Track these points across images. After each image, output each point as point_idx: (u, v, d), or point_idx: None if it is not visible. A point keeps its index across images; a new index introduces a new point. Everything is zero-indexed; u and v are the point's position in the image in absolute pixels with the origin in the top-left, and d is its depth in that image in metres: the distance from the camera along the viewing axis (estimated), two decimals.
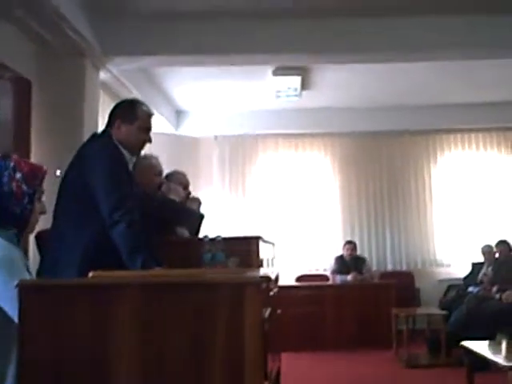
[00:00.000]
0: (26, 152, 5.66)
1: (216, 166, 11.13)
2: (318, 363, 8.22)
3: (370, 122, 10.69)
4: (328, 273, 10.49)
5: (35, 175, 2.68)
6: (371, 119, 10.66)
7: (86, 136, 6.12)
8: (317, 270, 10.81)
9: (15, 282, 2.14)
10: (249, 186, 11.09)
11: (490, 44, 6.92)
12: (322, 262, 10.85)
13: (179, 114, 10.76)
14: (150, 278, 2.28)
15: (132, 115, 3.71)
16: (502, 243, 8.96)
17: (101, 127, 6.54)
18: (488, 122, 10.87)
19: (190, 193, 5.28)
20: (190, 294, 2.10)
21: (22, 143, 5.78)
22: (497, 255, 9.01)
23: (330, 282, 10.17)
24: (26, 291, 2.10)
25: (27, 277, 2.50)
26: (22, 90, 5.91)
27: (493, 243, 9.23)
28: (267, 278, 2.22)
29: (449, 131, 11.19)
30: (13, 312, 2.32)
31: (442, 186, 11.17)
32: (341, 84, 9.35)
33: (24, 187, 2.61)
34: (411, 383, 6.99)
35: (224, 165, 11.12)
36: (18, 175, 2.61)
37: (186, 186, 5.22)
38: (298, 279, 10.44)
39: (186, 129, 10.83)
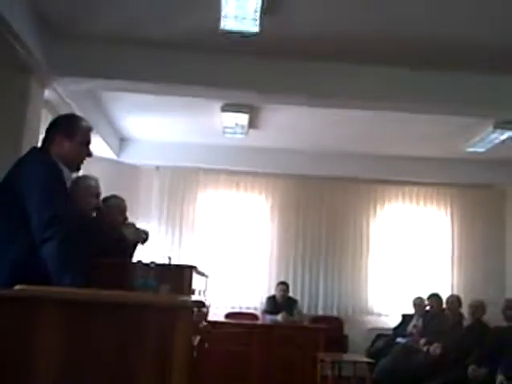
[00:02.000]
0: None
1: (155, 196, 11.05)
2: None
3: (313, 166, 10.78)
4: (258, 312, 10.45)
5: None
6: (315, 163, 10.75)
7: (25, 152, 6.04)
8: (247, 308, 10.77)
9: None
10: (186, 219, 11.02)
11: (437, 99, 7.12)
12: (253, 300, 10.85)
13: (122, 141, 10.66)
14: (75, 295, 2.20)
15: (73, 130, 3.66)
16: (434, 296, 9.06)
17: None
18: (430, 177, 11.06)
19: (126, 218, 5.23)
20: (117, 315, 2.04)
21: None
22: (427, 308, 9.08)
23: (260, 322, 10.12)
24: None
25: None
26: None
27: (424, 296, 9.30)
28: (200, 303, 2.17)
29: (390, 182, 11.33)
30: None
31: (380, 235, 11.31)
32: (288, 126, 9.42)
33: None
34: None
35: (163, 195, 11.05)
36: None
37: (123, 211, 5.17)
38: (228, 316, 10.37)
39: (128, 156, 10.73)
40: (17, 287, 2.29)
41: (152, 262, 3.73)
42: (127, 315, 2.03)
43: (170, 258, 4.41)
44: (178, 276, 4.09)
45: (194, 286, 4.33)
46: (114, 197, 5.18)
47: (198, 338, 2.47)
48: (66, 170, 3.59)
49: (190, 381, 2.09)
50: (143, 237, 5.00)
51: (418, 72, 6.91)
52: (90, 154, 3.75)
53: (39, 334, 2.02)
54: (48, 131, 3.70)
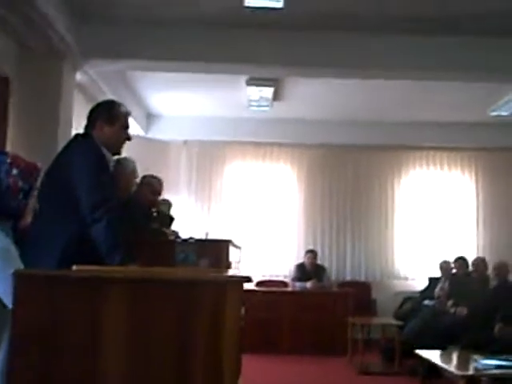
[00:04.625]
0: (1, 148, 5.75)
1: (184, 170, 11.29)
2: (273, 366, 8.39)
3: (337, 135, 10.90)
4: (288, 279, 10.72)
5: (31, 172, 2.82)
6: (339, 133, 10.87)
7: (61, 135, 6.33)
8: (277, 276, 11.02)
9: (11, 271, 2.28)
10: (215, 191, 11.28)
11: (460, 66, 7.18)
12: (282, 268, 11.09)
13: (150, 117, 10.89)
14: (139, 274, 2.44)
15: (112, 116, 3.87)
16: (460, 259, 9.15)
17: (75, 127, 6.75)
18: (454, 142, 11.14)
19: (157, 198, 5.43)
20: (176, 290, 2.27)
21: None
22: (454, 271, 9.21)
23: (290, 289, 10.39)
24: (21, 280, 2.25)
25: (21, 267, 2.64)
26: (0, 87, 6.00)
27: (450, 259, 9.41)
28: (248, 279, 2.40)
29: (414, 148, 11.42)
30: (7, 299, 2.47)
31: (405, 201, 11.44)
32: (311, 97, 9.57)
33: (20, 183, 2.75)
34: None
35: (192, 169, 11.29)
36: (15, 171, 2.74)
37: (159, 192, 5.38)
38: (258, 284, 10.61)
39: (156, 132, 10.97)
40: (74, 268, 2.51)
41: (191, 238, 3.95)
42: (184, 291, 2.26)
43: (207, 234, 4.66)
44: (216, 250, 4.33)
45: (230, 259, 4.56)
46: (151, 177, 5.39)
47: (243, 308, 2.70)
48: (107, 154, 3.82)
49: (239, 347, 2.32)
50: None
51: (441, 40, 6.97)
52: (129, 138, 3.98)
53: (105, 311, 2.24)
54: (89, 117, 3.91)
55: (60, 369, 2.23)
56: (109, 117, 3.85)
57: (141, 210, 5.20)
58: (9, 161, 2.75)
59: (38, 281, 2.30)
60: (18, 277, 2.26)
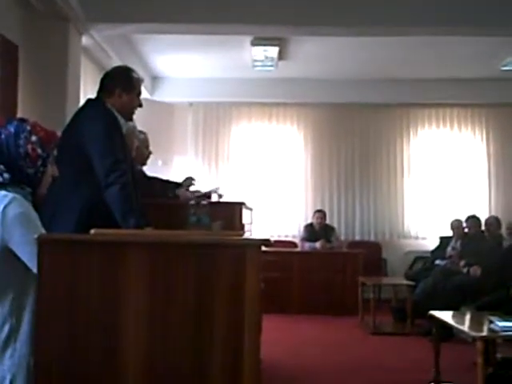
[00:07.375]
0: (12, 114, 5.73)
1: (190, 132, 11.25)
2: (284, 327, 8.37)
3: (344, 94, 10.77)
4: (297, 240, 10.72)
5: (49, 140, 2.82)
6: (346, 91, 10.74)
7: (69, 98, 6.31)
8: (286, 236, 11.03)
9: (34, 236, 2.30)
10: (222, 152, 11.26)
11: (470, 21, 7.02)
12: (291, 229, 11.09)
13: (155, 79, 10.81)
14: (161, 237, 2.43)
15: (131, 84, 3.91)
16: (472, 218, 9.07)
17: (82, 90, 6.71)
18: (464, 98, 10.93)
19: (150, 152, 5.31)
20: (197, 253, 2.26)
21: (8, 105, 5.84)
22: (466, 230, 9.13)
23: (299, 249, 10.41)
24: (44, 245, 2.25)
25: (43, 231, 2.66)
26: (10, 54, 5.95)
27: (462, 218, 9.34)
28: (267, 241, 2.39)
29: (424, 106, 11.26)
30: (32, 264, 2.49)
31: (414, 159, 11.35)
32: (317, 56, 9.45)
33: (39, 150, 2.75)
34: (377, 349, 7.18)
35: (198, 131, 11.25)
36: (34, 138, 2.74)
37: (147, 146, 5.27)
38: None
39: (161, 95, 10.88)
40: (92, 231, 2.50)
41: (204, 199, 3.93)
42: (205, 254, 2.25)
43: (220, 196, 4.63)
44: (229, 212, 4.32)
45: (243, 221, 4.55)
46: (139, 132, 5.22)
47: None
48: (120, 119, 3.81)
49: (259, 308, 2.31)
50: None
51: None
52: (141, 105, 4.00)
53: (126, 274, 2.24)
54: (105, 84, 3.89)
55: (84, 331, 2.25)
56: (127, 85, 3.89)
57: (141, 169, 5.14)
58: (28, 128, 2.75)
59: (61, 245, 2.30)
60: (41, 241, 2.27)
